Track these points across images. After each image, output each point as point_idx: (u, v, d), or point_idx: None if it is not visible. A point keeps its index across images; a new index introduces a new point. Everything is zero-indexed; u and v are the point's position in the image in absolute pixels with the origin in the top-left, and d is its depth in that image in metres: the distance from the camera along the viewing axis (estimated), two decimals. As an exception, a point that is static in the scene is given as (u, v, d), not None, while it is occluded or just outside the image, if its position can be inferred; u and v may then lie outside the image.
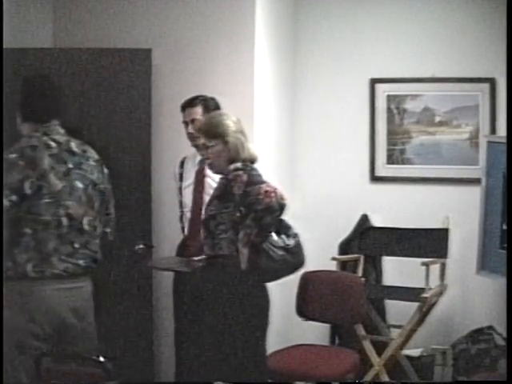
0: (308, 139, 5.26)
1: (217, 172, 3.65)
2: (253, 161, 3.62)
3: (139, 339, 4.38)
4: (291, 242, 3.65)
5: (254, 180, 3.53)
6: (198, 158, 4.13)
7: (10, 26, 4.15)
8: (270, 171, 4.69)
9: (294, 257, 3.63)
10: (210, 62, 4.48)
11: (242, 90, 4.46)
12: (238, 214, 3.51)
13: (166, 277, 4.35)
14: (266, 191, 3.48)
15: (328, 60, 5.22)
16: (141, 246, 4.31)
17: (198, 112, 4.07)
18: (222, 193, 3.58)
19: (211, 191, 3.98)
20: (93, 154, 3.73)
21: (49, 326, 3.51)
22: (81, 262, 3.58)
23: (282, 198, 3.53)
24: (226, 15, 4.45)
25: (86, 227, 3.61)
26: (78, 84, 4.32)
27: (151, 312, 4.42)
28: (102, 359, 3.04)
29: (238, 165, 3.54)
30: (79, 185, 3.59)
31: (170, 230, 4.10)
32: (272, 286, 4.77)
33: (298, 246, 3.69)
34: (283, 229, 3.66)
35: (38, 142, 3.52)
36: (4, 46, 4.05)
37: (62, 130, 3.64)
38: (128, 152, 4.35)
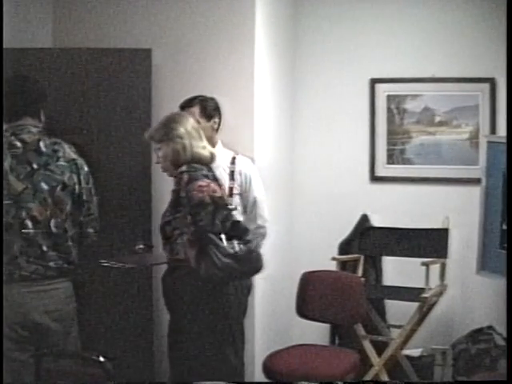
0: (308, 139, 5.26)
1: (170, 175, 3.68)
2: (202, 162, 3.64)
3: (139, 339, 4.38)
4: (242, 248, 3.52)
5: (193, 178, 3.53)
6: None
7: (9, 25, 4.15)
8: (270, 171, 4.71)
9: (242, 264, 3.49)
10: (210, 62, 4.48)
11: (242, 90, 4.45)
12: (189, 217, 3.51)
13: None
14: (199, 186, 3.50)
15: (328, 60, 5.22)
16: (141, 246, 4.31)
17: (195, 112, 4.05)
18: (174, 197, 3.60)
19: None
20: (67, 153, 3.64)
21: (21, 328, 3.47)
22: (51, 263, 3.53)
23: (214, 192, 3.52)
24: (226, 15, 4.45)
25: (53, 229, 3.55)
26: (78, 84, 4.32)
27: (151, 312, 4.42)
28: (101, 359, 3.04)
29: (183, 167, 3.58)
30: (44, 186, 3.53)
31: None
32: (272, 286, 4.79)
33: (250, 252, 3.56)
34: (237, 232, 3.58)
35: (4, 143, 3.49)
36: (4, 46, 4.04)
37: (33, 129, 3.58)
38: (128, 152, 4.34)
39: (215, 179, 3.65)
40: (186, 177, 3.53)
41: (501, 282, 4.22)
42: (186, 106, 4.10)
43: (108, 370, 3.02)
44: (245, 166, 4.16)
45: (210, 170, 3.68)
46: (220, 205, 3.54)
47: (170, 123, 3.68)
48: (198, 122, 3.98)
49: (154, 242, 4.35)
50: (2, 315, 3.43)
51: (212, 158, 3.70)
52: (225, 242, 3.48)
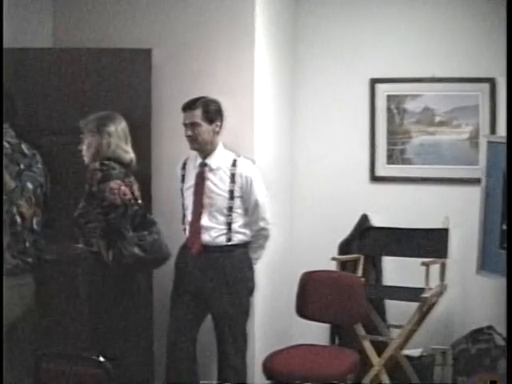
0: (308, 139, 5.26)
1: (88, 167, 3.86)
2: (120, 163, 3.85)
3: (139, 339, 4.38)
4: (149, 239, 3.84)
5: (106, 178, 3.74)
6: (199, 160, 4.13)
7: (10, 25, 4.15)
8: (269, 171, 4.71)
9: (149, 253, 3.82)
10: (211, 62, 4.48)
11: (242, 90, 4.45)
12: (99, 211, 3.75)
13: (166, 277, 4.35)
14: (111, 188, 3.74)
15: (328, 60, 5.22)
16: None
17: (197, 115, 4.04)
18: (87, 191, 3.78)
19: (212, 195, 4.07)
20: (39, 158, 3.91)
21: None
22: (30, 259, 3.73)
23: (124, 194, 3.76)
24: (226, 15, 4.45)
25: (35, 226, 3.78)
26: (78, 84, 4.32)
27: (151, 312, 4.42)
28: (101, 359, 3.05)
29: (97, 164, 3.78)
30: (29, 186, 3.77)
31: (170, 230, 4.09)
32: (272, 286, 4.79)
33: (157, 242, 3.87)
34: (145, 225, 3.87)
35: None
36: (4, 46, 4.05)
37: (13, 133, 3.79)
38: (128, 152, 4.34)
39: (130, 181, 3.85)
40: (99, 174, 3.75)
41: (501, 282, 4.22)
42: (189, 107, 4.07)
43: (108, 371, 3.02)
44: (246, 168, 4.13)
45: (128, 173, 3.87)
46: (130, 205, 3.79)
47: (105, 119, 3.91)
48: (200, 125, 4.03)
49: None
50: (1, 315, 3.44)
51: (131, 162, 3.92)
52: (131, 233, 3.77)
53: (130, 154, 3.95)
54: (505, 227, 4.33)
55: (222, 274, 4.09)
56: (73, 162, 4.32)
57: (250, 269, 4.20)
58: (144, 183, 4.36)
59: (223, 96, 4.37)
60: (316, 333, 4.84)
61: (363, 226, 5.10)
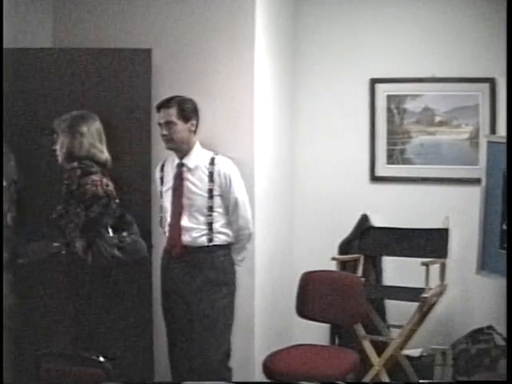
0: (308, 139, 5.26)
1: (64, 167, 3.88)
2: (96, 162, 3.87)
3: (139, 339, 4.38)
4: (127, 239, 3.87)
5: (87, 173, 3.78)
6: (176, 161, 4.10)
7: (9, 26, 4.16)
8: (270, 171, 4.72)
9: (127, 254, 3.85)
10: (210, 62, 4.48)
11: (242, 90, 4.45)
12: (80, 210, 3.76)
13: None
14: (93, 180, 3.77)
15: (328, 60, 5.22)
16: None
17: (172, 114, 4.01)
18: (66, 191, 3.79)
19: (191, 195, 4.03)
20: (12, 156, 3.98)
21: None
22: (6, 255, 3.79)
23: (107, 185, 3.81)
24: (225, 15, 4.45)
25: (9, 223, 3.87)
26: (78, 84, 4.32)
27: (151, 312, 4.42)
28: (101, 359, 3.05)
29: (75, 163, 3.80)
30: (4, 182, 3.84)
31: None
32: (272, 286, 4.79)
33: (135, 243, 3.91)
34: (123, 225, 3.91)
35: None
36: (4, 46, 4.05)
37: None
38: (128, 152, 4.34)
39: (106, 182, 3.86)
40: (78, 171, 3.77)
41: (501, 282, 4.22)
42: (163, 106, 4.03)
43: (108, 370, 3.02)
44: (224, 166, 4.07)
45: (104, 172, 3.88)
46: (112, 198, 3.82)
47: (77, 119, 3.92)
48: (175, 124, 4.00)
49: (154, 241, 4.36)
50: (1, 315, 3.44)
51: (107, 162, 3.93)
52: (111, 234, 3.80)
53: (105, 154, 3.95)
54: (505, 227, 4.33)
55: (204, 276, 4.03)
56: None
57: (232, 271, 4.14)
58: (144, 183, 4.38)
59: (223, 96, 4.38)
60: (316, 333, 4.84)
61: (363, 226, 5.10)
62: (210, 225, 4.03)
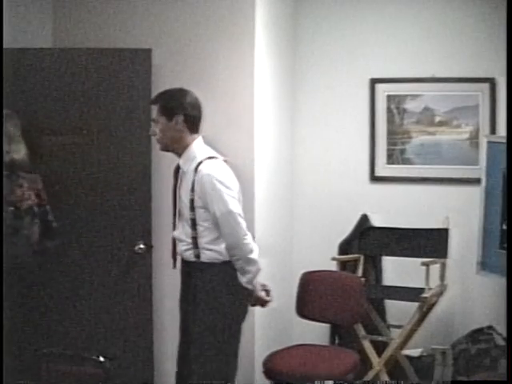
0: (308, 139, 5.26)
1: None
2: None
3: (139, 339, 4.38)
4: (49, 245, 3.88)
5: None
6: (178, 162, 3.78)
7: (9, 26, 4.15)
8: (270, 171, 4.72)
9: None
10: (210, 62, 4.48)
11: (242, 91, 4.45)
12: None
13: (166, 277, 4.36)
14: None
15: (328, 60, 5.22)
16: (141, 246, 4.31)
17: (155, 110, 3.66)
18: None
19: (181, 203, 3.67)
20: None
21: None
22: None
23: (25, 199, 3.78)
24: (226, 15, 4.45)
25: None
26: (77, 84, 4.32)
27: (151, 312, 4.42)
28: (102, 359, 3.05)
29: None
30: None
31: (169, 229, 4.09)
32: (272, 286, 4.78)
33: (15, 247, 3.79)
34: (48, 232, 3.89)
35: None
36: (4, 46, 4.05)
37: None
38: (128, 152, 4.34)
39: (20, 183, 3.82)
40: None
41: (501, 282, 4.22)
42: (153, 102, 3.69)
43: (108, 370, 3.02)
44: (205, 173, 3.52)
45: (11, 176, 3.81)
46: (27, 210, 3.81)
47: None
48: (157, 122, 3.63)
49: (154, 242, 4.36)
50: (1, 315, 3.43)
51: (14, 164, 3.84)
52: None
53: (9, 155, 3.81)
54: (505, 227, 4.34)
55: (193, 292, 3.64)
56: (73, 162, 4.34)
57: (229, 293, 3.60)
58: (144, 183, 4.38)
59: (223, 96, 4.38)
60: (316, 333, 4.84)
61: (363, 226, 5.10)
62: (194, 239, 3.58)
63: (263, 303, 3.84)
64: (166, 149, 3.71)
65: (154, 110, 3.67)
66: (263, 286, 3.81)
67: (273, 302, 3.92)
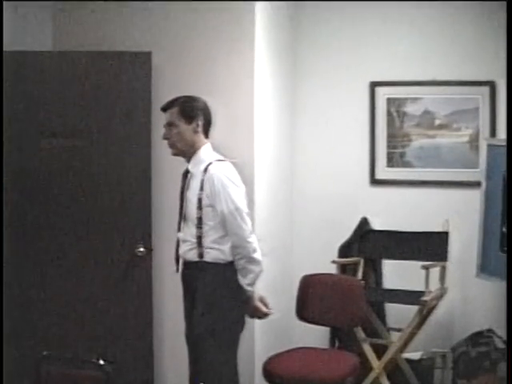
0: (308, 142, 5.26)
1: None
2: None
3: (139, 342, 4.38)
4: None
5: None
6: (187, 166, 3.81)
7: (9, 28, 4.16)
8: (269, 173, 4.72)
9: None
10: (210, 65, 4.48)
11: (242, 92, 4.45)
12: None
13: (166, 280, 4.36)
14: None
15: (328, 63, 5.22)
16: (141, 249, 4.31)
17: (174, 114, 3.70)
18: None
19: (188, 203, 3.70)
20: None
21: None
22: None
23: None
24: (225, 18, 4.45)
25: None
26: (78, 87, 4.32)
27: (151, 313, 4.42)
28: (102, 362, 3.05)
29: None
30: None
31: (170, 232, 4.09)
32: (272, 289, 4.78)
33: None
34: None
35: None
36: (4, 49, 4.06)
37: None
38: (128, 154, 4.35)
39: None
40: None
41: (501, 285, 4.22)
42: (168, 107, 3.74)
43: (108, 373, 3.02)
44: (215, 173, 3.62)
45: None
46: None
47: None
48: (176, 126, 3.69)
49: (154, 244, 4.36)
50: (1, 315, 3.44)
51: None
52: None
53: None
54: (505, 230, 4.33)
55: (193, 294, 3.67)
56: (73, 164, 4.34)
57: (231, 294, 3.63)
58: (144, 184, 4.38)
59: (223, 98, 4.38)
60: (316, 336, 4.84)
61: (363, 229, 5.10)
62: (199, 238, 3.63)
63: (261, 315, 3.86)
64: (178, 153, 3.76)
65: (168, 115, 3.72)
66: (261, 298, 3.84)
67: (273, 314, 3.88)
